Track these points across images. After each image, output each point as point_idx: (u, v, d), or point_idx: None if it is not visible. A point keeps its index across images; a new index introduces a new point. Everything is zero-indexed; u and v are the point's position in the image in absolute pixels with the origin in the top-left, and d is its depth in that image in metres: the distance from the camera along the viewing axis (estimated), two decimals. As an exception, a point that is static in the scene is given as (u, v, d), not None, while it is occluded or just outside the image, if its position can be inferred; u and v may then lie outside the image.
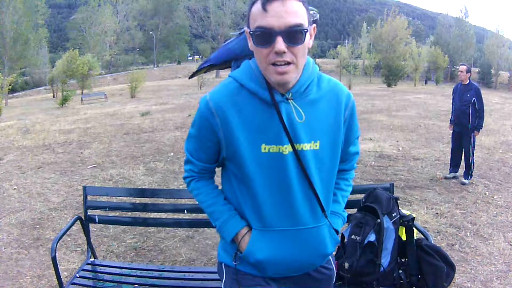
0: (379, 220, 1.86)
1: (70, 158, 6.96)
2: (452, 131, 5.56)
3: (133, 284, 2.13)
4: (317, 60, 44.51)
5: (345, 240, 1.94)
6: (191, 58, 70.25)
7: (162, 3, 62.30)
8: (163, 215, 2.54)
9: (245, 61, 1.20)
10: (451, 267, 1.87)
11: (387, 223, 1.89)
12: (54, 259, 2.01)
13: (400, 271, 1.92)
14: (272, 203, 1.15)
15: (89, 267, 2.30)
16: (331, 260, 1.31)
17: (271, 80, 1.10)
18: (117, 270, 2.28)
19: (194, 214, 2.43)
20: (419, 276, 1.90)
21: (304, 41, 1.06)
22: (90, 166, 6.31)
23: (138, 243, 3.49)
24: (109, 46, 54.09)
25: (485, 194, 4.81)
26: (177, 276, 2.21)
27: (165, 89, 29.59)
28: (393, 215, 1.93)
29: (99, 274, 2.25)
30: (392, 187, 2.22)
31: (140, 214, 2.61)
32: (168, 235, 3.65)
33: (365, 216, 1.92)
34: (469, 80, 5.29)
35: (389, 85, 32.13)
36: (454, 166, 5.49)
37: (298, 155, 1.13)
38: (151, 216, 2.53)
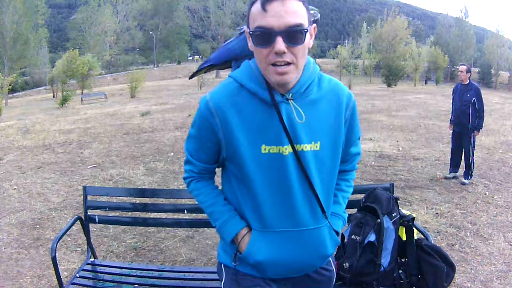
0: (379, 220, 1.86)
1: (70, 158, 6.96)
2: (452, 131, 5.56)
3: (133, 284, 2.13)
4: (317, 60, 44.44)
5: (345, 240, 1.94)
6: (191, 58, 70.23)
7: (162, 3, 62.28)
8: (163, 215, 2.54)
9: (245, 61, 1.19)
10: (451, 267, 1.87)
11: (387, 223, 1.89)
12: (54, 259, 2.01)
13: (400, 271, 1.92)
14: (272, 204, 1.14)
15: (89, 267, 2.30)
16: (331, 261, 1.31)
17: (271, 80, 1.09)
18: (117, 270, 2.28)
19: (194, 214, 2.43)
20: (419, 276, 1.90)
21: (304, 41, 1.05)
22: (90, 166, 6.31)
23: (138, 243, 3.49)
24: (109, 46, 54.10)
25: (485, 194, 4.81)
26: (177, 276, 2.21)
27: (165, 89, 29.58)
28: (393, 215, 1.93)
29: (99, 274, 2.25)
30: (392, 187, 2.22)
31: (140, 214, 2.61)
32: (168, 235, 3.65)
33: (365, 216, 1.92)
34: (469, 80, 5.29)
35: (389, 85, 32.13)
36: (454, 166, 5.49)
37: (298, 155, 1.12)
38: (151, 216, 2.53)
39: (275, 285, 1.22)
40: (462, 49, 53.67)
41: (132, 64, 59.63)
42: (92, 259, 2.41)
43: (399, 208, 2.01)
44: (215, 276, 2.15)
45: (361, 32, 52.72)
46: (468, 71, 5.25)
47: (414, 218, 1.97)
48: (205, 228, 3.45)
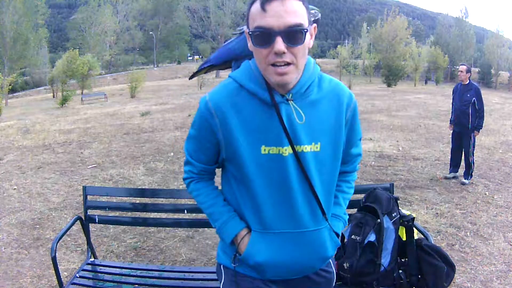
0: (379, 220, 1.86)
1: (70, 158, 6.96)
2: (452, 131, 5.56)
3: (133, 284, 2.13)
4: (317, 60, 44.31)
5: (345, 240, 1.94)
6: (191, 58, 70.23)
7: (162, 3, 62.27)
8: (163, 215, 2.54)
9: (245, 62, 1.19)
10: (451, 267, 1.87)
11: (387, 223, 1.89)
12: (54, 259, 2.01)
13: (400, 271, 1.92)
14: (272, 205, 1.14)
15: (89, 267, 2.31)
16: (331, 263, 1.30)
17: (270, 81, 1.08)
18: (117, 270, 2.28)
19: (194, 214, 2.43)
20: (419, 276, 1.90)
21: (304, 41, 1.04)
22: (90, 166, 6.31)
23: (138, 243, 3.49)
24: (109, 46, 54.09)
25: (485, 194, 4.81)
26: (177, 276, 2.21)
27: (165, 89, 29.58)
28: (393, 215, 1.93)
29: (99, 274, 2.25)
30: (392, 187, 2.22)
31: (140, 214, 2.61)
32: (168, 235, 3.65)
33: (365, 216, 1.92)
34: (469, 80, 5.29)
35: (389, 85, 32.13)
36: (454, 166, 5.49)
37: (298, 156, 1.11)
38: (151, 216, 2.53)
39: (275, 287, 1.21)
40: (462, 49, 53.67)
41: (132, 64, 59.62)
42: (92, 259, 2.41)
43: (399, 208, 2.01)
44: (215, 276, 2.15)
45: (361, 32, 52.71)
46: (468, 71, 5.25)
47: (414, 218, 1.97)
48: (205, 228, 3.45)
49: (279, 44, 1.01)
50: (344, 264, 1.86)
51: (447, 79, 48.67)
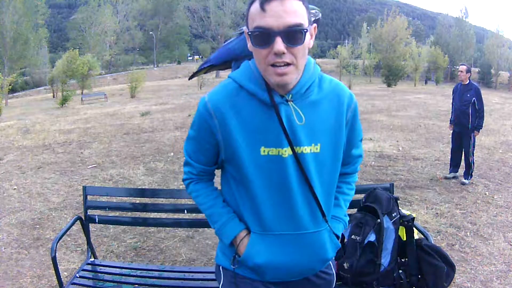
0: (379, 220, 1.86)
1: (70, 158, 6.96)
2: (452, 131, 5.56)
3: (133, 284, 2.13)
4: (317, 60, 44.43)
5: (345, 240, 1.94)
6: (191, 58, 70.24)
7: (162, 3, 62.27)
8: (163, 215, 2.54)
9: (244, 62, 1.18)
10: (451, 267, 1.87)
11: (387, 223, 1.89)
12: (54, 259, 2.01)
13: (400, 271, 1.92)
14: (271, 207, 1.13)
15: (89, 267, 2.31)
16: (331, 265, 1.29)
17: (270, 81, 1.07)
18: (117, 270, 2.28)
19: (194, 214, 2.42)
20: (419, 276, 1.90)
21: (304, 42, 1.03)
22: (90, 166, 6.31)
23: (138, 243, 3.49)
24: (109, 46, 54.09)
25: (485, 194, 4.81)
26: (177, 276, 2.21)
27: (165, 89, 29.59)
28: (393, 215, 1.93)
29: (99, 274, 2.25)
30: (392, 187, 2.22)
31: (140, 214, 2.61)
32: (168, 235, 3.65)
33: (365, 216, 1.92)
34: (469, 80, 5.29)
35: (389, 85, 32.13)
36: (454, 166, 5.49)
37: (298, 158, 1.10)
38: (151, 216, 2.53)
39: None
40: (462, 49, 53.67)
41: (132, 64, 59.62)
42: (92, 259, 2.41)
43: (399, 208, 2.01)
44: (215, 276, 2.15)
45: (361, 32, 52.69)
46: (468, 71, 5.25)
47: (414, 218, 1.97)
48: (205, 228, 3.44)
49: (279, 44, 1.00)
50: (344, 264, 1.86)
51: (447, 79, 48.67)
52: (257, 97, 1.11)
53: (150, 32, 60.72)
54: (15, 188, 5.21)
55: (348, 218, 1.31)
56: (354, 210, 2.06)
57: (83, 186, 2.44)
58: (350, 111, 1.18)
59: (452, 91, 5.58)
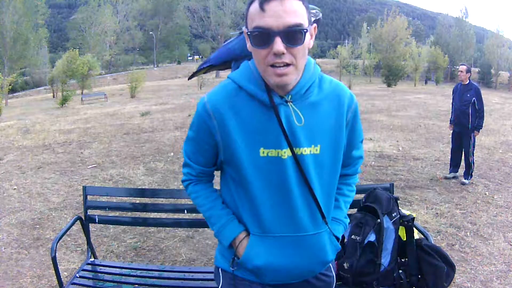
0: (379, 220, 1.86)
1: (70, 158, 6.96)
2: (452, 131, 5.56)
3: (133, 284, 2.13)
4: (317, 60, 44.42)
5: (345, 240, 1.94)
6: (191, 58, 70.24)
7: (162, 3, 62.28)
8: (163, 215, 2.54)
9: (244, 62, 1.17)
10: (451, 267, 1.87)
11: (387, 223, 1.89)
12: (54, 259, 2.01)
13: (400, 271, 1.92)
14: (271, 208, 1.12)
15: (89, 267, 2.31)
16: (331, 266, 1.28)
17: (270, 82, 1.06)
18: (117, 270, 2.28)
19: (194, 214, 2.42)
20: (419, 276, 1.90)
21: (303, 42, 1.02)
22: (90, 166, 6.31)
23: (138, 243, 3.49)
24: (109, 46, 54.09)
25: (485, 194, 4.81)
26: (177, 276, 2.21)
27: (165, 89, 29.59)
28: (393, 215, 1.93)
29: (99, 274, 2.25)
30: (392, 187, 2.22)
31: (140, 214, 2.61)
32: (168, 235, 3.65)
33: (365, 216, 1.92)
34: (469, 80, 5.29)
35: (389, 85, 32.12)
36: (454, 166, 5.49)
37: (297, 159, 1.09)
38: (151, 216, 2.53)
39: None
40: (462, 49, 53.67)
41: (132, 64, 59.63)
42: (92, 259, 2.41)
43: (399, 208, 2.01)
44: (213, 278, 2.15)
45: (361, 32, 52.67)
46: (468, 71, 5.25)
47: (414, 218, 1.97)
48: (205, 228, 3.43)
49: (278, 44, 0.99)
50: (344, 264, 1.86)
51: (447, 79, 48.67)
52: (256, 97, 1.09)
53: (150, 32, 60.73)
54: (15, 188, 5.21)
55: (348, 220, 1.30)
56: (354, 210, 2.05)
57: (83, 186, 2.44)
58: (350, 112, 1.17)
59: (452, 91, 5.58)
